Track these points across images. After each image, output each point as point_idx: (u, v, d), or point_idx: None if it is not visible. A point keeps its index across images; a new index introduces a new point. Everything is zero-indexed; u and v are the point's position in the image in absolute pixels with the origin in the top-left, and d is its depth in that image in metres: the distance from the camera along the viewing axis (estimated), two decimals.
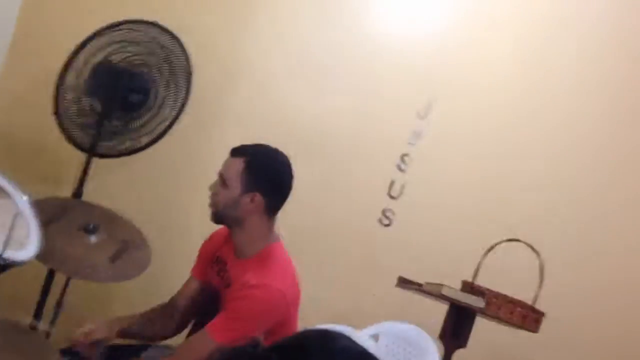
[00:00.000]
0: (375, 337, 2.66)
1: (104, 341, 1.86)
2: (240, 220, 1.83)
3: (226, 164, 1.85)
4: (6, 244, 1.44)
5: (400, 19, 2.94)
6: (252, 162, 1.80)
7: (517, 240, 2.16)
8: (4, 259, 1.58)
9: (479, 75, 2.97)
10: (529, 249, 2.19)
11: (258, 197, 1.79)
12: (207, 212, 2.54)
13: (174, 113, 2.60)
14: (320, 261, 2.76)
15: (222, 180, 1.83)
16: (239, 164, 1.81)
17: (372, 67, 2.91)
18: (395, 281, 2.43)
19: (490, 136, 2.97)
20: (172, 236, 2.75)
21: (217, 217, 1.87)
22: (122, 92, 2.43)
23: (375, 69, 2.92)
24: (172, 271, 2.61)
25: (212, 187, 1.86)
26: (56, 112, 2.40)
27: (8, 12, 2.67)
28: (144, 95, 2.50)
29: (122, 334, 1.92)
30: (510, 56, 2.99)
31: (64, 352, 1.71)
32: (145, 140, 2.59)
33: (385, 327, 2.71)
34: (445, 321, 2.22)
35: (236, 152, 1.84)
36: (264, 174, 1.82)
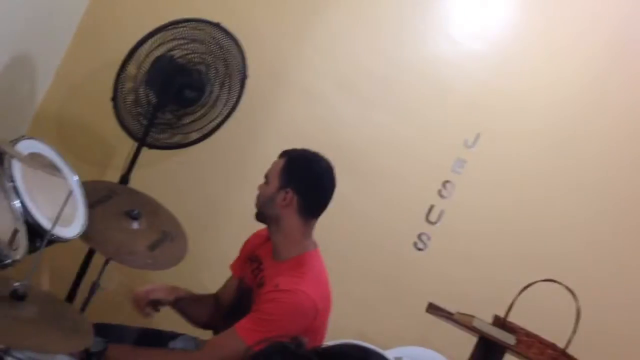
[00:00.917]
0: None
1: (160, 302, 1.91)
2: (276, 218, 1.87)
3: (272, 164, 1.93)
4: (56, 221, 1.48)
5: (453, 48, 2.95)
6: (291, 160, 1.89)
7: (555, 281, 2.12)
8: (52, 235, 1.63)
9: (529, 109, 2.95)
10: (566, 291, 2.15)
11: (291, 194, 1.84)
12: (247, 212, 2.59)
13: (224, 113, 2.64)
14: (351, 277, 2.76)
15: (266, 178, 1.91)
16: (281, 162, 1.89)
17: (424, 90, 2.92)
18: (422, 306, 2.41)
19: (535, 171, 2.94)
20: (209, 232, 2.79)
21: (258, 215, 1.93)
22: (178, 87, 2.48)
23: (427, 92, 2.92)
24: (204, 266, 2.65)
25: (258, 187, 1.93)
26: (114, 98, 2.46)
27: (77, 1, 2.76)
28: (199, 92, 2.55)
29: (176, 303, 1.97)
30: (561, 92, 2.97)
31: (96, 326, 1.74)
32: (194, 136, 2.64)
33: (409, 351, 2.69)
34: (473, 354, 2.19)
35: (282, 153, 1.93)
36: (300, 172, 1.88)
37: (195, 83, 2.53)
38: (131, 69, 2.46)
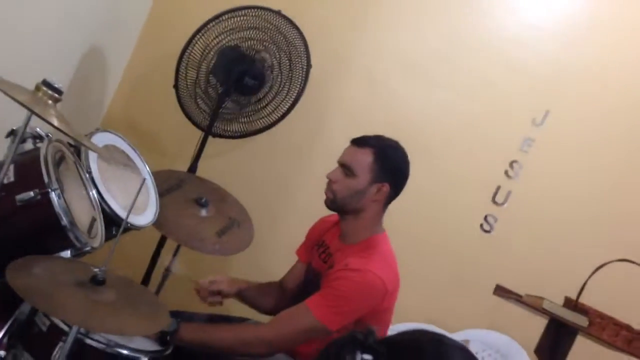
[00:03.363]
0: (466, 342, 2.62)
1: (223, 293, 1.97)
2: (359, 209, 1.85)
3: (351, 154, 1.86)
4: (131, 209, 1.55)
5: (520, 24, 2.86)
6: (381, 153, 1.83)
7: (630, 261, 2.04)
8: (127, 223, 1.70)
9: (599, 85, 2.83)
10: None
11: (386, 188, 1.83)
12: (312, 198, 2.60)
13: (289, 103, 2.67)
14: (417, 259, 2.75)
15: (348, 170, 1.84)
16: (368, 155, 1.83)
17: (490, 68, 2.85)
18: (490, 289, 2.38)
19: (606, 149, 2.83)
20: (273, 218, 2.84)
21: (334, 205, 1.89)
22: (238, 75, 2.50)
23: (493, 71, 2.85)
24: (269, 252, 2.71)
25: (333, 176, 1.87)
26: (175, 86, 2.53)
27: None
28: (259, 80, 2.57)
29: (239, 294, 2.03)
30: (635, 68, 2.83)
31: (171, 313, 1.82)
32: (259, 125, 2.68)
33: (477, 334, 2.67)
34: (543, 336, 2.15)
35: (361, 142, 1.85)
36: (393, 166, 1.85)
37: (256, 71, 2.55)
38: (194, 56, 2.52)
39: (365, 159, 1.82)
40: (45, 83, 1.48)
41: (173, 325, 1.66)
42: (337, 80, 2.88)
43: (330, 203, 1.89)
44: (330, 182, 1.88)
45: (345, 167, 1.85)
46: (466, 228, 2.86)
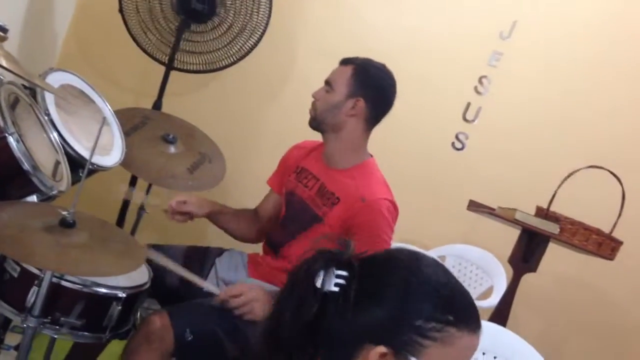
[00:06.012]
0: (442, 259, 2.69)
1: (192, 214, 1.94)
2: (338, 126, 1.84)
3: (335, 72, 1.87)
4: (94, 149, 1.51)
5: None
6: (360, 69, 1.83)
7: (599, 167, 2.08)
8: (92, 164, 1.66)
9: None
10: (610, 177, 2.11)
11: (361, 103, 1.81)
12: (280, 128, 2.56)
13: (255, 37, 2.56)
14: (390, 181, 2.75)
15: (329, 86, 1.85)
16: (348, 70, 1.83)
17: None
18: (464, 205, 2.41)
19: (573, 58, 2.83)
20: (244, 150, 2.81)
21: (314, 123, 1.88)
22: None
23: None
24: (244, 184, 2.69)
25: (316, 94, 1.87)
26: (121, 10, 2.42)
27: None
28: (209, 5, 2.46)
29: (210, 216, 2.00)
30: None
31: (148, 247, 1.80)
32: (223, 57, 2.58)
33: (452, 249, 2.73)
34: (516, 246, 2.20)
35: (346, 61, 1.86)
36: (371, 82, 1.83)
37: None
38: None
39: (344, 74, 1.83)
40: None
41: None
42: (299, 8, 2.79)
43: (312, 121, 1.88)
44: (314, 101, 1.87)
45: (327, 84, 1.86)
46: (438, 147, 2.87)
